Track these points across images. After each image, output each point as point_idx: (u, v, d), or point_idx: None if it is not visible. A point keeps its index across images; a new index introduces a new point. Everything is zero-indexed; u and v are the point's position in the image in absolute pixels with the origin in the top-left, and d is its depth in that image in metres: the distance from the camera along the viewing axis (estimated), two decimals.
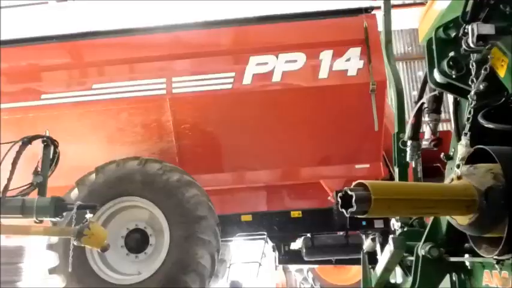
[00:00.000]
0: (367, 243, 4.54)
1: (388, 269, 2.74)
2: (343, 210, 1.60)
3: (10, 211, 3.20)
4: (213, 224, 4.11)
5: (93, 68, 4.85)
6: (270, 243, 5.17)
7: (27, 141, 3.35)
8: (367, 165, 4.62)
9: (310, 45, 4.54)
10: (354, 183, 1.66)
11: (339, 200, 1.61)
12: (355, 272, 8.08)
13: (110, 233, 3.46)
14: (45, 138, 3.45)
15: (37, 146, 3.41)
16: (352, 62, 4.43)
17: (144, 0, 9.95)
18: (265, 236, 4.84)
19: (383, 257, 2.75)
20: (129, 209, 4.27)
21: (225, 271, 5.60)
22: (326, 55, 4.47)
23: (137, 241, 4.20)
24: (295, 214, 4.80)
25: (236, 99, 4.52)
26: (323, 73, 4.43)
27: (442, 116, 2.74)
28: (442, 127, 11.69)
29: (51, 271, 4.04)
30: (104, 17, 10.06)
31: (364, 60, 4.42)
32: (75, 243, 3.14)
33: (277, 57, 4.52)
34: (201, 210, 4.06)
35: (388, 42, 3.62)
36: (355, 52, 4.45)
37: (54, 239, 4.04)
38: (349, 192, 1.56)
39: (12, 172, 3.18)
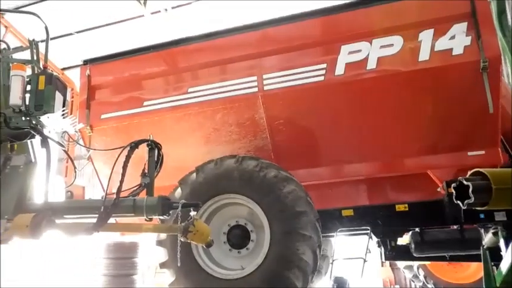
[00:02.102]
0: (487, 238, 4.10)
1: None
2: (459, 202, 1.42)
3: (124, 211, 3.45)
4: (313, 219, 4.02)
5: (187, 73, 5.04)
6: (375, 239, 4.93)
7: (134, 145, 3.56)
8: (482, 152, 4.15)
9: (407, 27, 4.22)
10: (469, 172, 1.47)
11: (453, 191, 1.44)
12: (474, 270, 7.40)
13: (212, 230, 3.55)
14: (149, 142, 3.65)
15: (143, 149, 3.63)
16: (457, 39, 4.02)
17: (228, 1, 10.18)
18: (368, 231, 4.62)
19: (508, 254, 2.44)
20: (230, 206, 4.36)
21: (328, 267, 5.47)
22: (426, 35, 4.11)
23: (239, 237, 4.28)
24: (400, 207, 4.51)
25: (329, 91, 4.37)
26: (424, 55, 4.08)
27: None
28: None
29: (162, 265, 4.28)
30: (194, 22, 10.52)
31: (471, 36, 3.99)
32: (182, 239, 3.28)
33: (370, 44, 4.29)
34: (300, 205, 3.99)
35: (502, 12, 3.20)
36: (460, 28, 4.03)
37: (163, 236, 4.27)
38: (465, 183, 1.39)
39: (123, 175, 3.41)
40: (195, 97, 4.80)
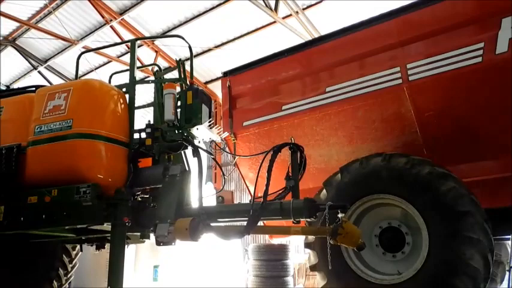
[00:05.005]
0: None
1: None
2: None
3: (271, 214, 3.51)
4: (480, 219, 3.51)
5: (323, 72, 4.93)
6: None
7: (277, 149, 3.62)
8: None
9: None
10: None
11: None
12: None
13: (362, 232, 3.37)
14: (291, 145, 3.65)
15: (285, 153, 3.63)
16: None
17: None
18: None
19: None
20: (380, 206, 4.09)
21: (503, 275, 4.76)
22: None
23: (392, 240, 3.98)
24: None
25: (490, 73, 3.79)
26: None
27: None
28: None
29: (312, 268, 4.22)
30: (326, 20, 10.41)
31: None
32: (331, 242, 3.18)
33: None
34: (462, 204, 3.52)
35: None
36: None
37: (311, 238, 4.20)
38: None
39: (268, 179, 3.47)
40: (333, 96, 4.66)
